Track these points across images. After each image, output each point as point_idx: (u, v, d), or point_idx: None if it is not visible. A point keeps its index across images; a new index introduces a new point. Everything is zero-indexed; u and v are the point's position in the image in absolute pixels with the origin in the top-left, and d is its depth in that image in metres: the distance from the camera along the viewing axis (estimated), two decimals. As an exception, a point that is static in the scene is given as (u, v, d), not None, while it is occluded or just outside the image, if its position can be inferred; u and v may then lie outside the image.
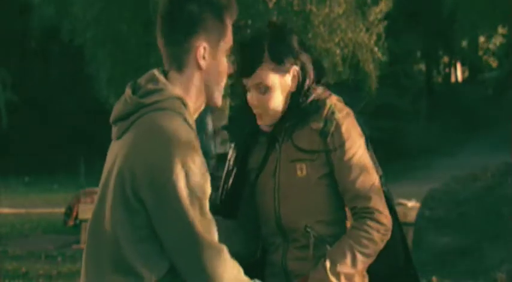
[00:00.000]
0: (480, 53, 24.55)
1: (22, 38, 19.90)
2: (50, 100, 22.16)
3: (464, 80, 30.90)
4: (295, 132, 2.12)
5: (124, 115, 1.79)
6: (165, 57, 1.84)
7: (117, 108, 1.82)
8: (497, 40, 23.44)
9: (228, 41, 1.86)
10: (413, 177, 16.27)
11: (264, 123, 2.14)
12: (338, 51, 11.50)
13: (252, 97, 2.13)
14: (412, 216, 7.11)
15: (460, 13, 19.74)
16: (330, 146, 2.07)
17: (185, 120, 1.75)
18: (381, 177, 2.15)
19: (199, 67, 1.82)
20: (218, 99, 1.87)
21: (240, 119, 2.26)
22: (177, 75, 1.82)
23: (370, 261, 2.06)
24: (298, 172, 2.09)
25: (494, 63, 26.30)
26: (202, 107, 1.86)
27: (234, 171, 2.21)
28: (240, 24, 11.57)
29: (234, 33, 1.89)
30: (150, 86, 1.79)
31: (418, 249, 6.68)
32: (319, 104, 2.11)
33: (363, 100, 2.25)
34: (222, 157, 9.06)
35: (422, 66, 27.03)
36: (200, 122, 6.72)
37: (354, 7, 11.60)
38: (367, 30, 11.85)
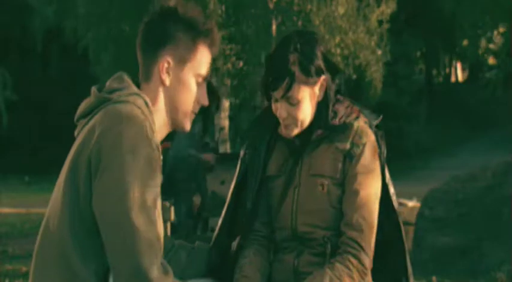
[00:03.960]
0: (480, 52, 24.56)
1: (22, 37, 19.90)
2: (50, 100, 22.15)
3: (464, 79, 30.90)
4: (320, 147, 2.12)
5: (87, 111, 1.81)
6: (141, 70, 1.86)
7: (81, 107, 1.83)
8: (498, 40, 23.44)
9: (197, 65, 1.85)
10: (414, 177, 16.27)
11: (292, 134, 2.12)
12: (338, 52, 11.50)
13: (281, 109, 2.10)
14: (412, 216, 7.12)
15: (460, 13, 19.74)
16: (349, 169, 2.09)
17: (144, 115, 1.74)
18: (392, 195, 2.16)
19: (162, 82, 1.82)
20: (184, 122, 1.86)
21: (261, 124, 2.24)
22: (145, 86, 1.84)
23: None
24: (319, 188, 2.10)
25: (494, 62, 26.30)
26: (169, 128, 1.85)
27: (254, 176, 2.19)
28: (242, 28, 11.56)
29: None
30: (115, 84, 1.82)
31: (418, 249, 6.68)
32: (348, 124, 2.11)
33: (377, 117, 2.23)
34: (221, 157, 9.06)
35: (422, 66, 27.03)
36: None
37: (355, 8, 11.60)
38: (368, 31, 11.84)
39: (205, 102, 1.88)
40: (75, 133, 1.83)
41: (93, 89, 1.83)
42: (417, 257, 6.52)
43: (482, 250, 6.34)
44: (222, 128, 12.00)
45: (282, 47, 2.09)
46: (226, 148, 11.91)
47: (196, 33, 1.85)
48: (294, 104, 2.08)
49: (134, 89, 1.81)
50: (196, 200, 7.04)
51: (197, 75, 1.86)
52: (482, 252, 6.33)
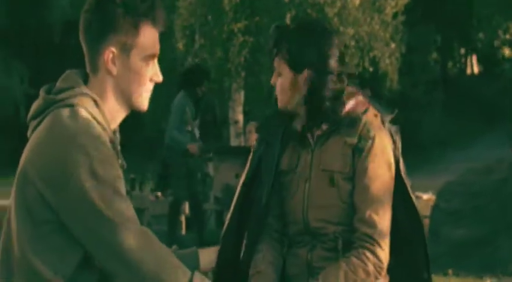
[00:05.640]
0: (496, 44, 24.35)
1: (38, 30, 20.00)
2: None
3: (480, 71, 30.67)
4: (329, 141, 2.12)
5: (37, 113, 1.79)
6: (86, 60, 1.83)
7: (32, 108, 1.82)
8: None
9: (144, 48, 1.78)
10: (429, 170, 16.20)
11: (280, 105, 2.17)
12: (353, 44, 11.46)
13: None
14: (427, 209, 7.09)
15: (476, 4, 19.58)
16: (358, 163, 2.08)
17: (93, 116, 1.73)
18: (410, 189, 2.15)
19: (109, 72, 1.78)
20: (140, 103, 1.81)
21: (274, 120, 2.26)
22: (93, 78, 1.81)
23: None
24: (331, 183, 2.10)
25: (510, 55, 26.08)
26: (125, 111, 1.82)
27: (268, 171, 2.20)
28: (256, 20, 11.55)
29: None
30: (62, 84, 1.80)
31: (434, 241, 6.66)
32: (355, 118, 2.10)
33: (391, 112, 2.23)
34: (235, 150, 9.05)
35: (437, 57, 26.86)
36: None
37: (369, 0, 11.55)
38: (383, 23, 11.78)
39: (159, 79, 1.82)
40: (28, 134, 1.82)
41: (42, 90, 1.81)
42: (433, 250, 6.47)
43: (498, 242, 6.31)
44: (236, 122, 12.00)
45: (277, 32, 2.16)
46: (240, 141, 11.91)
47: (136, 16, 1.77)
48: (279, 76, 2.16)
49: (81, 88, 1.77)
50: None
51: (146, 58, 1.79)
52: (498, 245, 6.30)
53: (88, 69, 1.83)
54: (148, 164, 12.58)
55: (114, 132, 1.82)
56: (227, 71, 11.58)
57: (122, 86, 1.79)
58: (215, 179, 7.45)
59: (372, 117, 2.12)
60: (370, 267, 2.04)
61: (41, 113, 1.78)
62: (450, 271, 5.83)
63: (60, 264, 1.68)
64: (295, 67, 2.11)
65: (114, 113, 1.81)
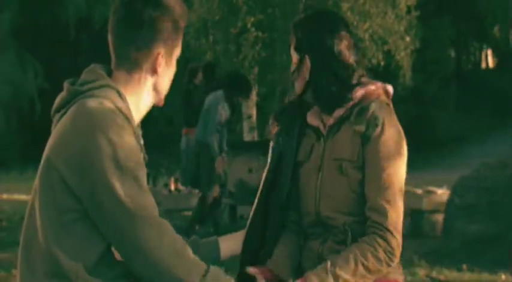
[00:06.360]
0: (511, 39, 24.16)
1: (52, 26, 20.09)
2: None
3: (495, 66, 30.47)
4: (340, 130, 2.13)
5: (61, 105, 1.82)
6: (116, 55, 1.85)
7: (56, 101, 1.84)
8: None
9: (179, 48, 1.91)
10: (443, 165, 16.13)
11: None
12: (367, 37, 11.42)
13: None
14: (441, 204, 7.06)
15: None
16: (367, 151, 2.08)
17: (117, 107, 1.76)
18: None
19: (154, 72, 1.85)
20: (162, 101, 1.92)
21: (290, 111, 2.27)
22: (126, 76, 1.84)
23: (370, 277, 2.04)
24: (340, 171, 2.10)
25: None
26: (150, 106, 1.90)
27: (287, 162, 2.22)
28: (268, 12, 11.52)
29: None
30: (87, 77, 1.82)
31: (448, 237, 6.64)
32: (364, 106, 2.11)
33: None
34: (248, 145, 9.06)
35: (452, 52, 26.70)
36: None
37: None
38: (397, 16, 11.73)
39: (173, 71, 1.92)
40: (52, 127, 1.84)
41: (66, 82, 1.85)
42: (447, 245, 6.47)
43: (512, 238, 6.27)
44: (249, 116, 12.00)
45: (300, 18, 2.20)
46: (253, 136, 11.91)
47: (178, 19, 1.87)
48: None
49: (106, 80, 1.81)
50: (216, 189, 7.04)
51: (176, 56, 1.92)
52: (512, 240, 6.26)
53: (117, 66, 1.85)
54: (161, 159, 12.62)
55: (137, 126, 1.85)
56: (240, 65, 11.57)
57: (161, 84, 1.87)
58: (229, 174, 7.47)
59: (383, 105, 2.12)
60: (381, 254, 2.03)
61: (65, 104, 1.80)
62: (464, 266, 5.80)
63: (81, 253, 1.70)
64: (299, 52, 2.15)
65: (142, 108, 1.86)
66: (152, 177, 8.29)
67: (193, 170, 7.60)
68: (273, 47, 11.61)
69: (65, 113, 1.79)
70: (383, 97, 2.14)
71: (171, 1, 1.85)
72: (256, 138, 11.58)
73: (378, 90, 2.15)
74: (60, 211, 1.70)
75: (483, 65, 30.17)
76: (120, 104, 1.77)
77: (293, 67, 2.18)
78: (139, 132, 1.85)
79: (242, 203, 6.99)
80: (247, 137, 12.07)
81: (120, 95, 1.80)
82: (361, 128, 2.08)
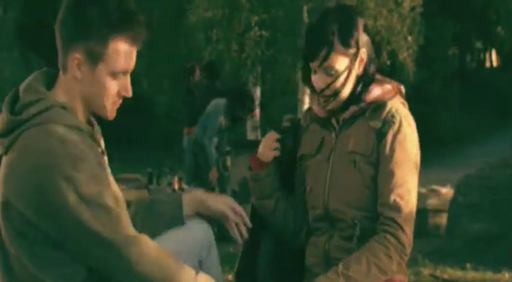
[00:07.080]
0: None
1: (54, 23, 20.11)
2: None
3: (498, 65, 30.41)
4: (354, 125, 2.12)
5: (4, 131, 1.69)
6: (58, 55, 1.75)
7: None
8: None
9: (112, 64, 1.68)
10: (447, 164, 16.11)
11: (328, 107, 2.12)
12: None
13: (319, 79, 2.09)
14: (445, 203, 7.05)
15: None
16: (382, 148, 2.06)
17: (70, 127, 1.65)
18: None
19: (74, 76, 1.70)
20: (104, 114, 1.73)
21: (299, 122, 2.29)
22: (63, 77, 1.73)
23: (383, 277, 2.03)
24: (352, 165, 2.09)
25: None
26: (94, 112, 1.75)
27: (287, 156, 2.22)
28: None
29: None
30: (26, 98, 1.69)
31: (452, 236, 6.63)
32: (381, 103, 2.10)
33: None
34: (252, 143, 9.07)
35: (455, 51, 26.65)
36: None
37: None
38: (401, 16, 11.72)
39: (128, 94, 1.73)
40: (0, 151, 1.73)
41: (5, 106, 1.71)
42: (450, 244, 6.46)
43: (516, 237, 6.26)
44: (252, 115, 11.99)
45: (322, 18, 2.09)
46: (257, 135, 11.92)
47: (109, 27, 1.66)
48: (332, 74, 2.07)
49: (46, 99, 1.68)
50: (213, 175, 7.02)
51: (114, 73, 1.69)
52: (516, 239, 6.25)
53: (59, 65, 1.76)
54: (165, 158, 12.60)
55: (91, 124, 1.77)
56: (243, 64, 11.57)
57: (85, 93, 1.71)
58: (232, 173, 7.46)
59: (399, 104, 2.13)
60: (393, 252, 2.02)
61: (9, 132, 1.69)
62: (468, 265, 5.79)
63: (68, 276, 1.68)
64: (356, 47, 2.13)
65: (87, 112, 1.75)
66: (156, 177, 8.28)
67: (193, 169, 7.62)
68: (276, 46, 11.60)
69: (11, 142, 1.67)
70: (399, 96, 2.15)
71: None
72: (259, 137, 11.58)
73: (394, 89, 2.15)
74: (33, 243, 1.66)
75: (487, 65, 30.12)
76: (68, 120, 1.67)
77: (341, 65, 2.07)
78: (98, 131, 1.77)
79: (245, 202, 6.98)
80: (250, 135, 12.07)
81: (66, 108, 1.68)
82: (377, 124, 2.08)
